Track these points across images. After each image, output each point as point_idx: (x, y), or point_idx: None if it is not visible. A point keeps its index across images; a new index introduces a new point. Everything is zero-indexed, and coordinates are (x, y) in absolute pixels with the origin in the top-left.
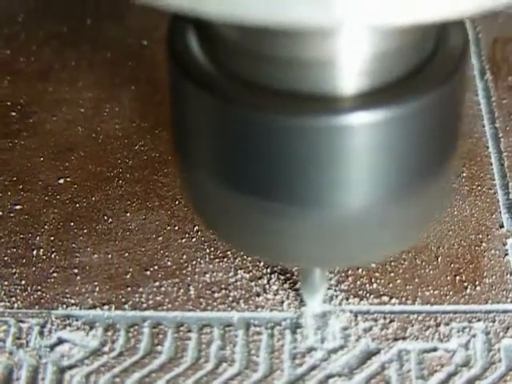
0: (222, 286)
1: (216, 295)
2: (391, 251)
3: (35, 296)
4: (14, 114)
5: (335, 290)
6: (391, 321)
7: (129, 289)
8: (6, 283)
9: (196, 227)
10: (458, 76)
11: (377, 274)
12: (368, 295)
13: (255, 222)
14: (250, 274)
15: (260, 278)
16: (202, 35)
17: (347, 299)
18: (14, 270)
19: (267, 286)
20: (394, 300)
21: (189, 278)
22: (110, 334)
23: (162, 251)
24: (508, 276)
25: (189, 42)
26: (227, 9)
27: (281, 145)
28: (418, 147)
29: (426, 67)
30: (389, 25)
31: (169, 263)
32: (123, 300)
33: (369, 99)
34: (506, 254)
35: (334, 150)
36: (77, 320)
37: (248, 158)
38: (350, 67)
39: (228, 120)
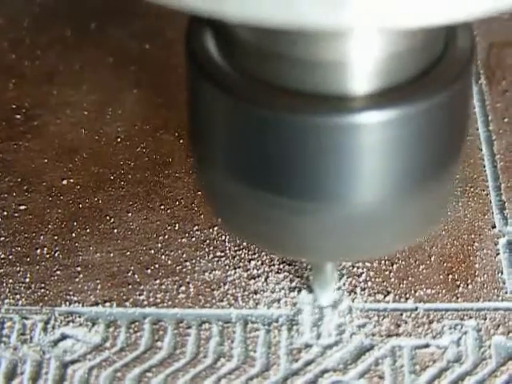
0: (221, 284)
1: (215, 293)
2: (403, 245)
3: (39, 293)
4: (18, 116)
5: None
6: (385, 318)
7: (130, 286)
8: (10, 281)
9: (196, 227)
10: (466, 77)
11: (371, 273)
12: (362, 293)
13: (269, 217)
14: (248, 272)
15: (258, 276)
16: (218, 36)
17: (342, 297)
18: (19, 269)
19: (265, 284)
20: (387, 298)
21: (188, 276)
22: (111, 330)
23: (162, 250)
24: (499, 275)
25: (205, 42)
26: (242, 10)
27: (293, 143)
28: (428, 145)
29: (435, 68)
30: (399, 27)
31: (169, 262)
32: (124, 297)
33: (380, 99)
34: (498, 254)
35: (346, 147)
36: (79, 316)
37: (262, 156)
38: (362, 68)
39: (243, 118)
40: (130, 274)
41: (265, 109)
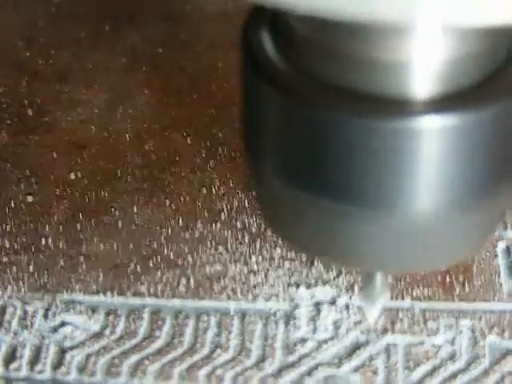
0: (221, 278)
1: (215, 286)
2: (456, 258)
3: (41, 281)
4: (30, 112)
5: (331, 286)
6: (381, 315)
7: (132, 277)
8: (14, 269)
9: (199, 222)
10: None
11: None
12: (360, 291)
13: (323, 224)
14: (248, 267)
15: (258, 271)
16: (276, 34)
17: (340, 293)
18: (23, 257)
19: (264, 279)
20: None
21: (189, 269)
22: (111, 318)
23: (165, 243)
24: (496, 278)
25: (263, 40)
26: (308, 1)
27: (351, 146)
28: (489, 155)
29: (499, 74)
30: (463, 25)
31: (171, 255)
32: (125, 287)
33: (441, 104)
34: (496, 257)
35: (405, 153)
36: (80, 304)
37: (319, 159)
38: (425, 70)
39: (300, 120)
40: (132, 266)
41: (321, 110)
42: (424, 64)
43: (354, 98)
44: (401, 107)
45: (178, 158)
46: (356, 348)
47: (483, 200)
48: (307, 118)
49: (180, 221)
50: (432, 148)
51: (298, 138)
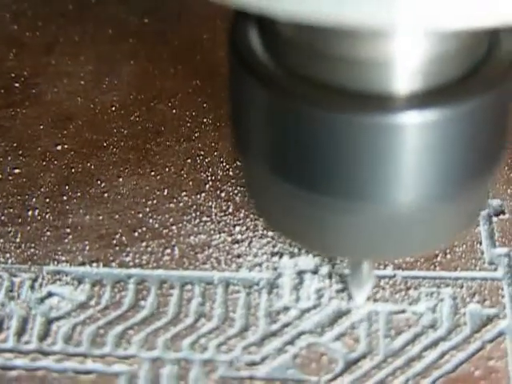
0: (205, 248)
1: (199, 256)
2: (438, 246)
3: (28, 253)
4: (17, 85)
5: (314, 256)
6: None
7: (117, 248)
8: (1, 240)
9: (183, 193)
10: (510, 79)
11: None
12: (342, 260)
13: (310, 215)
14: (232, 237)
15: (242, 241)
16: (263, 32)
17: (322, 262)
18: (10, 229)
19: (248, 249)
20: None
21: (174, 240)
22: (96, 289)
23: (150, 214)
24: (478, 246)
25: (250, 38)
26: (291, 8)
27: (335, 141)
28: (469, 148)
29: (478, 71)
30: (445, 29)
31: (156, 225)
32: (111, 258)
33: (422, 99)
34: (478, 226)
35: (387, 147)
36: (66, 275)
37: (305, 154)
38: (406, 67)
39: (285, 115)
40: (117, 236)
41: (306, 105)
42: (405, 62)
43: (338, 95)
44: (383, 103)
45: (163, 129)
46: (338, 316)
47: (464, 191)
48: (291, 114)
49: (165, 191)
50: (413, 142)
51: (283, 132)
